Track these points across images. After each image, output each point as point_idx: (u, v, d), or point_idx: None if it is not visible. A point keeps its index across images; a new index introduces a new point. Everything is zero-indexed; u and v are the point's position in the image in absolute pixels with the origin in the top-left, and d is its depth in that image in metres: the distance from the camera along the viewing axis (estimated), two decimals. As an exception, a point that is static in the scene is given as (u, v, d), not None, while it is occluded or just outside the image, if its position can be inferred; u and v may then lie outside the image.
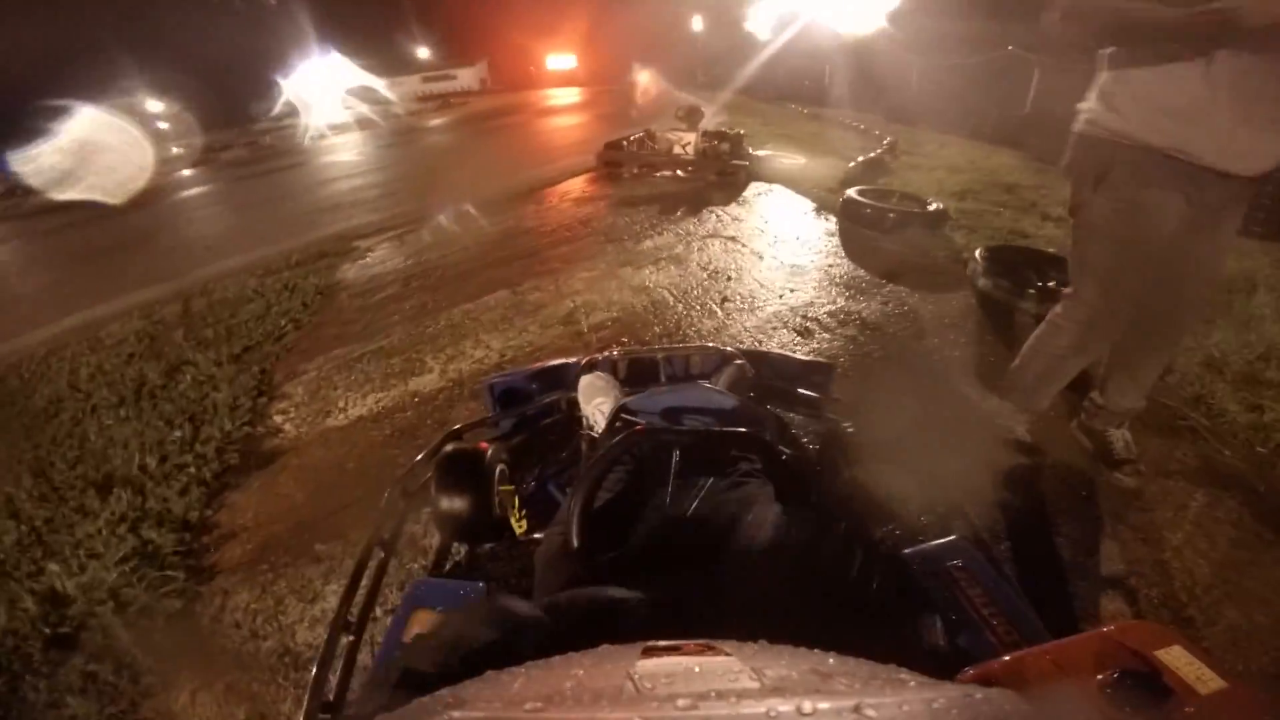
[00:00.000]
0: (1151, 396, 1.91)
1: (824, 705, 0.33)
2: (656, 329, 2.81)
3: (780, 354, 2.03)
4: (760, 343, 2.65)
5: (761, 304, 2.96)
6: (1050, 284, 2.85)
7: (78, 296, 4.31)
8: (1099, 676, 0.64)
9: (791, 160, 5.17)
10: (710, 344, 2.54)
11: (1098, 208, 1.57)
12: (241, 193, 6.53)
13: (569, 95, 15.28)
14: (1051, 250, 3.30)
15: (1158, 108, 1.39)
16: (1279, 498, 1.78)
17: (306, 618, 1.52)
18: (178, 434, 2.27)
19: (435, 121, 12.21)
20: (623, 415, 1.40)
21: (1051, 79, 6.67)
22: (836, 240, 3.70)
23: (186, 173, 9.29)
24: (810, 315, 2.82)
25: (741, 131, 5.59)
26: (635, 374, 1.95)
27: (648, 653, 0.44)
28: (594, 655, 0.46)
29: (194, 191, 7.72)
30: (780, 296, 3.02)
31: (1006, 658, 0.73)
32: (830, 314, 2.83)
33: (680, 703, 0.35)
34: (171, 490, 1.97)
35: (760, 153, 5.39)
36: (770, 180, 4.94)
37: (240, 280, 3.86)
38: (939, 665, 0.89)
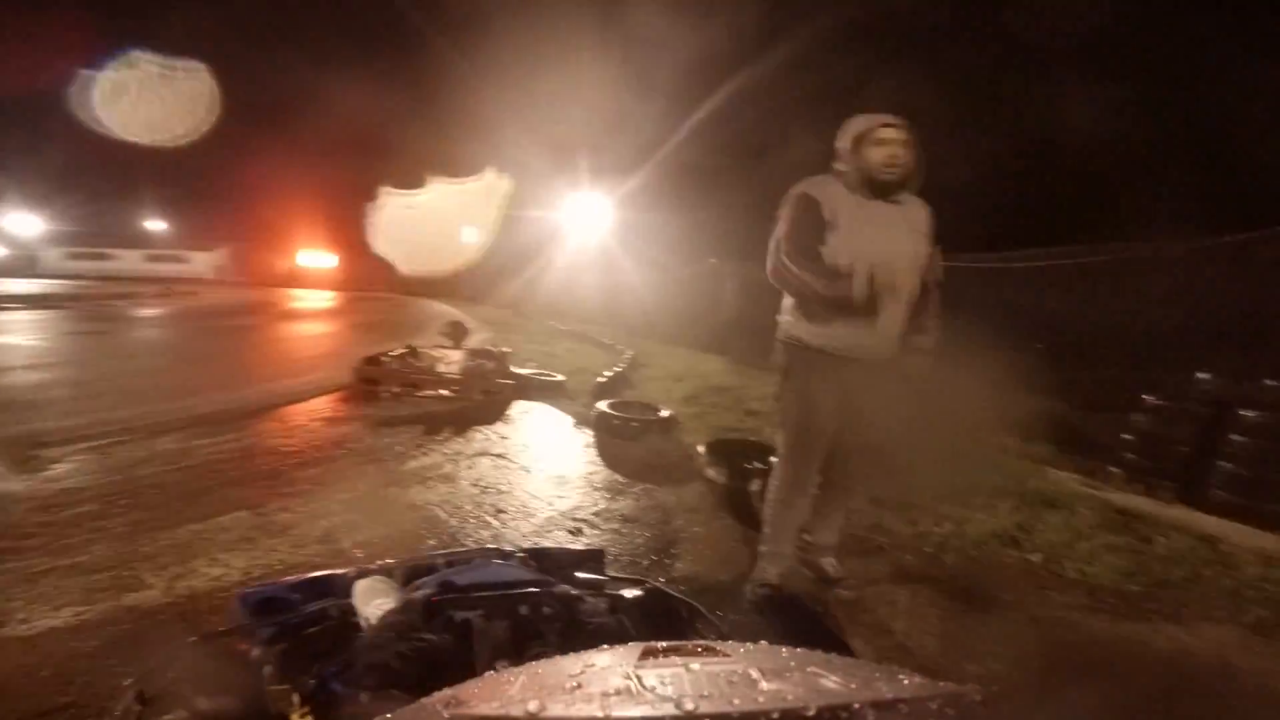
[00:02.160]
0: (844, 530, 2.58)
1: (824, 705, 0.33)
2: (431, 542, 2.77)
3: (555, 547, 2.22)
4: (536, 544, 2.80)
5: (534, 511, 3.18)
6: (756, 465, 3.55)
7: None
8: None
9: (551, 378, 5.71)
10: (490, 546, 2.61)
11: (785, 394, 2.26)
12: None
13: (321, 299, 14.76)
14: (754, 439, 4.23)
15: (817, 322, 2.12)
16: (951, 581, 2.50)
17: None
18: None
19: (153, 311, 10.47)
20: (403, 601, 1.41)
21: (744, 287, 8.21)
22: (593, 450, 4.23)
23: None
24: (578, 517, 3.13)
25: (506, 349, 6.12)
26: (414, 579, 1.93)
27: (648, 653, 0.44)
28: (595, 655, 0.45)
29: None
30: (550, 504, 3.29)
31: None
32: (596, 514, 3.18)
33: (681, 703, 0.35)
34: None
35: (524, 370, 5.80)
36: (533, 398, 5.39)
37: None
38: None
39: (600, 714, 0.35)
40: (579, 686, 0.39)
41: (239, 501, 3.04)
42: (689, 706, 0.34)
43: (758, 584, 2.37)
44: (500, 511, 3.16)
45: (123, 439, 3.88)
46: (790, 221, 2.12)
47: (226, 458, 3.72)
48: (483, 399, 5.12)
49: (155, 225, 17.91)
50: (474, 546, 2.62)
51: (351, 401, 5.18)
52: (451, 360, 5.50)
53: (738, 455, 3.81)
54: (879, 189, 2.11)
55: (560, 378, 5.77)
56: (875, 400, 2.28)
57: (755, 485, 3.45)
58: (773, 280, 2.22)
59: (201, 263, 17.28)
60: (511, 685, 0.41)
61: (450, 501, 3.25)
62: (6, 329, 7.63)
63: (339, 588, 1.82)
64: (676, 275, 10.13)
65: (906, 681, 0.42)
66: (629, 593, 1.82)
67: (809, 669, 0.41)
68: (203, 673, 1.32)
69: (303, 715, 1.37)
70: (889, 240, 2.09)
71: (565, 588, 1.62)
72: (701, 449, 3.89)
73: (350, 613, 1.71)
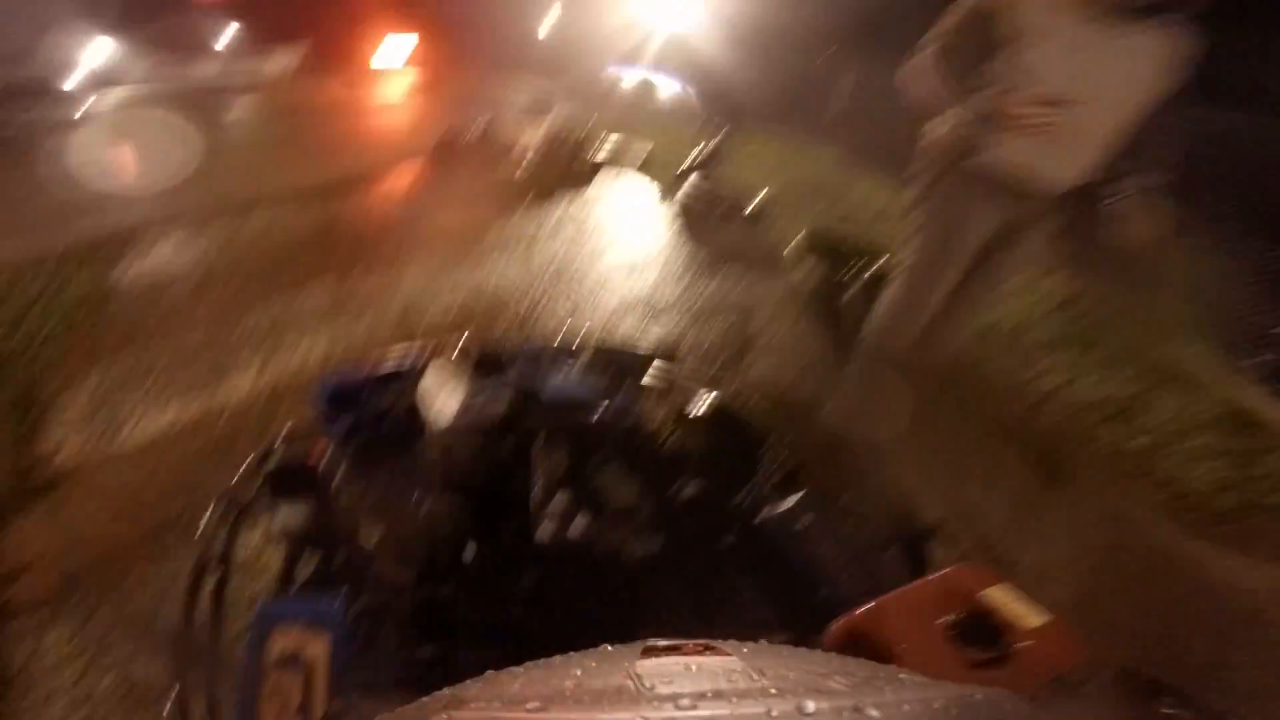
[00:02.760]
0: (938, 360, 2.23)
1: (824, 705, 0.33)
2: (503, 323, 2.77)
3: (624, 345, 2.12)
4: (609, 332, 2.74)
5: (608, 296, 3.04)
6: (858, 269, 3.17)
7: None
8: (942, 619, 0.71)
9: (636, 150, 5.28)
10: (559, 336, 2.58)
11: (925, 209, 1.86)
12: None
13: (404, 78, 14.10)
14: (858, 241, 3.67)
15: (988, 133, 1.63)
16: (1041, 444, 2.23)
17: (143, 650, 1.36)
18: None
19: (238, 108, 10.63)
20: (468, 407, 1.38)
21: (867, 79, 7.26)
22: (676, 232, 3.89)
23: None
24: (653, 303, 2.98)
25: (590, 121, 5.59)
26: (484, 367, 1.92)
27: (648, 652, 0.43)
28: (594, 655, 0.45)
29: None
30: (626, 287, 3.13)
31: (868, 606, 0.77)
32: (672, 302, 3.01)
33: (681, 702, 0.34)
34: (-66, 531, 1.61)
35: (608, 144, 5.40)
36: (617, 173, 5.04)
37: (-13, 286, 3.03)
38: (813, 618, 1.03)
39: (600, 714, 0.34)
40: (579, 686, 0.39)
41: (322, 275, 3.10)
42: (689, 705, 0.34)
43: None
44: (571, 294, 3.05)
45: (214, 218, 3.98)
46: (950, 31, 1.68)
47: (312, 231, 3.76)
48: (563, 170, 4.83)
49: (227, 26, 17.08)
50: (542, 336, 2.57)
51: (432, 174, 5.04)
52: (533, 132, 5.08)
53: (838, 255, 3.39)
54: (1109, 6, 1.47)
55: (646, 151, 5.25)
56: (1034, 238, 1.83)
57: (852, 288, 3.09)
58: (903, 86, 1.78)
59: (281, 58, 16.55)
60: (511, 685, 0.41)
61: (525, 278, 3.17)
62: (92, 140, 7.89)
63: (410, 374, 1.84)
64: (782, 58, 8.53)
65: (909, 681, 0.42)
66: (696, 408, 1.70)
67: (811, 668, 0.42)
68: (283, 484, 1.37)
69: (370, 523, 1.40)
70: (1089, 76, 1.51)
71: (628, 407, 1.52)
72: (796, 243, 3.48)
73: (420, 403, 1.72)
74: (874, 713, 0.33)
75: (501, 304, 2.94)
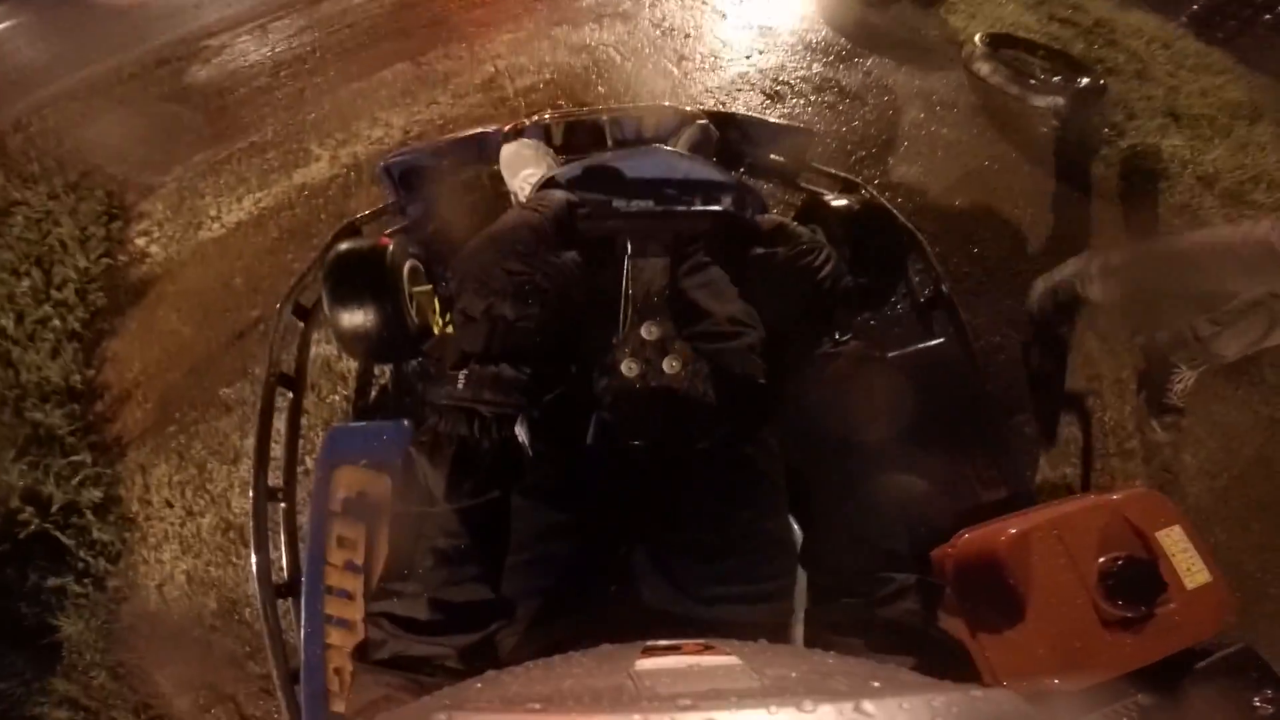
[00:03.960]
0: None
1: (824, 704, 0.32)
2: (600, 90, 2.35)
3: (748, 115, 1.71)
4: (724, 105, 2.25)
5: (725, 64, 2.48)
6: (1053, 78, 2.66)
7: None
8: (1101, 560, 0.64)
9: None
10: (666, 103, 2.13)
11: None
12: (48, 14, 5.10)
13: None
14: (1055, 45, 2.97)
15: None
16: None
17: (235, 482, 1.39)
18: (26, 284, 1.88)
19: None
20: (551, 189, 1.13)
21: None
22: (815, 4, 3.11)
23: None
24: (781, 79, 2.40)
25: None
26: (574, 140, 1.58)
27: (648, 652, 0.42)
28: (594, 655, 0.44)
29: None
30: (747, 57, 2.54)
31: (1014, 530, 0.69)
32: (804, 79, 2.41)
33: (680, 702, 0.33)
34: (41, 354, 1.65)
35: None
36: None
37: (61, 106, 2.95)
38: (936, 512, 0.82)
39: (600, 714, 0.33)
40: (579, 686, 0.37)
41: (399, 53, 2.81)
42: (689, 705, 0.33)
43: (1060, 288, 1.65)
44: (683, 59, 2.52)
45: (281, 14, 3.58)
46: None
47: (386, 12, 3.31)
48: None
49: None
50: (646, 104, 2.10)
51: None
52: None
53: (1027, 57, 2.81)
54: None
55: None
56: None
57: (1050, 102, 2.55)
58: None
59: None
60: (511, 685, 0.40)
61: (626, 43, 2.65)
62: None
63: (491, 148, 1.40)
64: None
65: (909, 681, 0.41)
66: (835, 200, 1.36)
67: (810, 666, 0.40)
68: (345, 277, 1.21)
69: (444, 325, 1.29)
70: None
71: (737, 198, 1.21)
72: (979, 37, 2.72)
73: (500, 181, 1.52)
74: (874, 711, 0.32)
75: (604, 64, 2.49)
